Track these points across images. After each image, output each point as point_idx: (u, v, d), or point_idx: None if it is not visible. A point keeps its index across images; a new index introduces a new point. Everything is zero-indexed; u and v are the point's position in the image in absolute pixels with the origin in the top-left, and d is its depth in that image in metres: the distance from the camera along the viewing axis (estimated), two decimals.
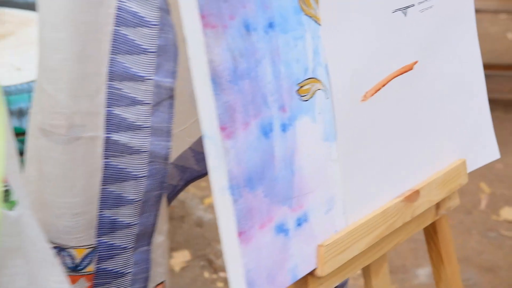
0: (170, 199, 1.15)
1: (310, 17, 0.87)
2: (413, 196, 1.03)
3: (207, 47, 0.76)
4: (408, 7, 1.00)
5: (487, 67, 1.18)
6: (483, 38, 1.27)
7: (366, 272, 1.04)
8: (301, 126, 0.87)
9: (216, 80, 0.77)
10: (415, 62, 1.03)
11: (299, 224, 0.88)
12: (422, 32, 1.03)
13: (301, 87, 0.87)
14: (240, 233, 0.80)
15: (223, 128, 0.78)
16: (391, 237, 1.02)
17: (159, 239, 1.04)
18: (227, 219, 0.78)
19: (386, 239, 1.01)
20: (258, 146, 0.82)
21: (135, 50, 0.91)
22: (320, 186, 0.90)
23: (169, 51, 0.93)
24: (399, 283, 1.95)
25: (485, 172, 2.41)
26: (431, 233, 1.17)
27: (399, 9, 0.98)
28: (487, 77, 1.15)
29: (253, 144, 0.81)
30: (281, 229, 0.85)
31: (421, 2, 1.01)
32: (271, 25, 0.82)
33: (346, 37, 0.92)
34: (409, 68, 1.02)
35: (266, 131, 0.83)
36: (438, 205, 1.11)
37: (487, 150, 1.17)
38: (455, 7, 1.08)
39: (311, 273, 0.90)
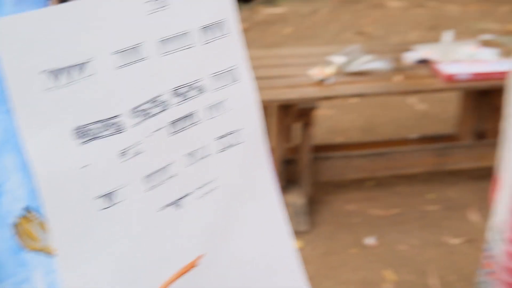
0: None
1: (38, 251, 0.74)
2: None
3: None
4: (181, 198, 0.88)
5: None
6: None
7: None
8: None
9: None
10: (200, 257, 0.90)
11: None
12: (206, 219, 0.91)
13: None
14: None
15: None
16: None
17: None
18: None
19: None
20: None
21: None
22: None
23: None
24: None
25: (387, 256, 2.16)
26: None
27: (170, 204, 0.86)
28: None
29: None
30: None
31: (200, 187, 0.89)
32: None
33: (96, 259, 0.79)
34: (191, 266, 0.89)
35: None
36: None
37: None
38: (247, 182, 0.96)
39: None
